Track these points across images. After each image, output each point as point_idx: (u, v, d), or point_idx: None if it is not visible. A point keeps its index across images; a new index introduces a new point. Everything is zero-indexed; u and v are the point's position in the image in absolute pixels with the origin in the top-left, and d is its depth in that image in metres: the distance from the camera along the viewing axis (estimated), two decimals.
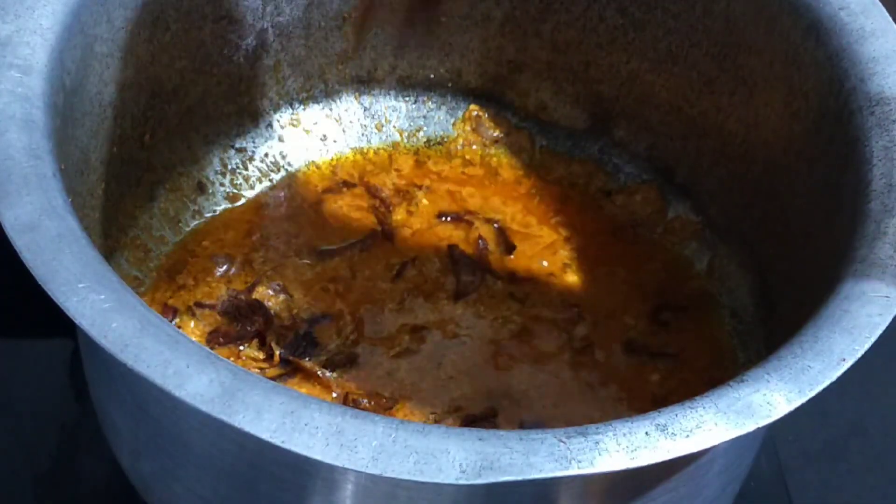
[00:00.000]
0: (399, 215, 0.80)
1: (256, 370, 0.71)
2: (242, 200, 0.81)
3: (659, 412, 0.49)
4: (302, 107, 0.84)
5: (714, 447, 0.49)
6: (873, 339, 0.52)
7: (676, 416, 0.49)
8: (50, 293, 0.50)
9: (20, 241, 0.51)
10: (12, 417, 0.75)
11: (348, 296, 0.76)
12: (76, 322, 0.49)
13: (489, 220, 0.80)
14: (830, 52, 0.66)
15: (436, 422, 0.69)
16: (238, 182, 0.82)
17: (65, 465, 0.73)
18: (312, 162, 0.84)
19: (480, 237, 0.79)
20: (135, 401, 0.58)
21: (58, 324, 0.54)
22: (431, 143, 0.86)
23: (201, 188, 0.80)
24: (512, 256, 0.79)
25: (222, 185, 0.81)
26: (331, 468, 0.47)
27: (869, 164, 0.61)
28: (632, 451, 0.47)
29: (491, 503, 0.52)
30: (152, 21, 0.71)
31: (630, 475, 0.52)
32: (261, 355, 0.72)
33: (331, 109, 0.85)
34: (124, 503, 0.70)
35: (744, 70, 0.73)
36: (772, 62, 0.71)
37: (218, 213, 0.80)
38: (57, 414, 0.75)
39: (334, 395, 0.70)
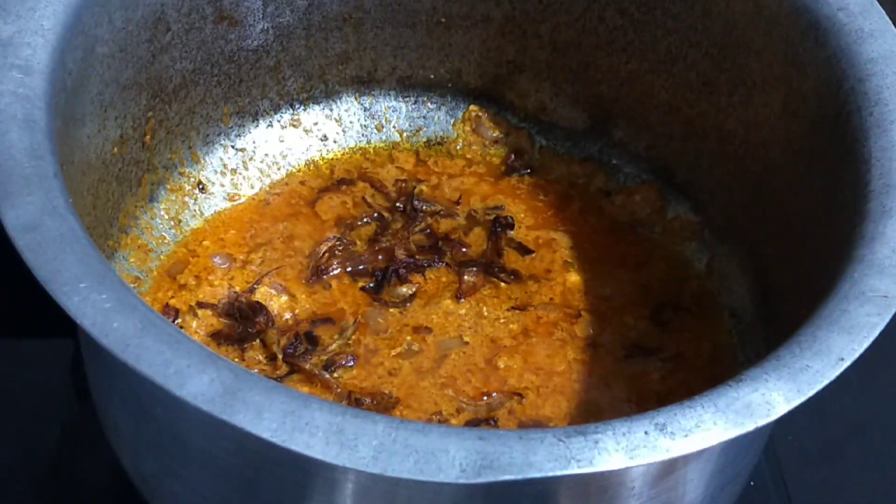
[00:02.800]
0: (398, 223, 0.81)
1: (260, 373, 0.71)
2: (243, 200, 0.81)
3: (658, 411, 0.49)
4: (302, 107, 0.84)
5: (713, 446, 0.49)
6: (872, 339, 0.53)
7: (675, 415, 0.49)
8: (51, 293, 0.50)
9: (21, 241, 0.52)
10: (12, 417, 0.75)
11: (350, 295, 0.76)
12: (77, 322, 0.50)
13: (501, 221, 0.80)
14: (829, 53, 0.66)
15: (438, 423, 0.69)
16: (238, 182, 0.82)
17: (65, 465, 0.73)
18: (312, 162, 0.84)
19: (490, 237, 0.79)
20: (136, 400, 0.58)
21: (58, 324, 0.54)
22: (431, 144, 0.86)
23: (202, 188, 0.80)
24: (532, 257, 0.79)
25: (223, 185, 0.81)
26: (331, 467, 0.47)
27: (867, 164, 0.61)
28: (631, 451, 0.48)
29: (491, 502, 0.52)
30: (153, 22, 0.71)
31: (629, 473, 0.52)
32: (263, 358, 0.72)
33: (331, 110, 0.85)
34: (125, 503, 0.70)
35: (743, 70, 0.73)
36: (771, 63, 0.71)
37: (218, 212, 0.80)
38: (57, 414, 0.75)
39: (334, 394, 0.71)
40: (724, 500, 0.63)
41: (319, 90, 0.84)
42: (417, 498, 0.52)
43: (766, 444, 0.75)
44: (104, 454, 0.66)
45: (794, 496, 0.76)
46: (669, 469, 0.54)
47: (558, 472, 0.47)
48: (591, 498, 0.53)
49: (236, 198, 0.81)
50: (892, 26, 0.67)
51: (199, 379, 0.48)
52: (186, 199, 0.80)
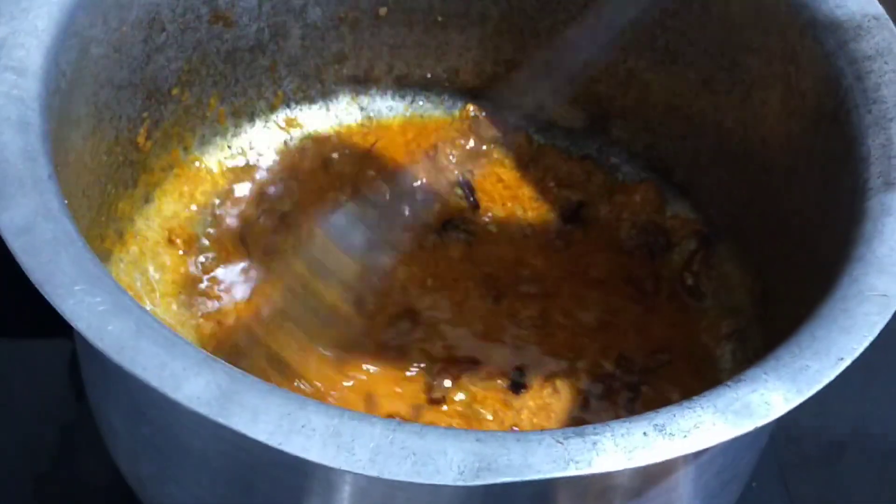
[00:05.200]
0: None
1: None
2: None
3: (656, 412, 0.49)
4: (299, 107, 0.84)
5: (712, 447, 0.49)
6: (871, 339, 0.52)
7: (674, 416, 0.49)
8: (46, 295, 0.50)
9: (16, 244, 0.52)
10: (12, 417, 0.75)
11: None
12: (72, 324, 0.50)
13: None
14: (827, 50, 0.66)
15: None
16: None
17: (65, 466, 0.73)
18: None
19: None
20: (131, 403, 0.58)
21: (57, 324, 0.54)
22: None
23: None
24: None
25: None
26: (328, 470, 0.47)
27: (866, 162, 0.61)
28: (629, 452, 0.47)
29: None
30: (148, 22, 0.71)
31: (628, 475, 0.52)
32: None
33: (328, 110, 0.85)
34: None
35: (741, 68, 0.73)
36: (769, 60, 0.71)
37: None
38: (57, 414, 0.75)
39: None
40: (724, 501, 0.63)
41: (316, 90, 0.84)
42: (415, 500, 0.52)
43: (767, 444, 0.74)
44: (104, 455, 0.66)
45: (794, 496, 0.76)
46: (669, 469, 0.54)
47: (557, 474, 0.47)
48: (590, 499, 0.53)
49: None
50: (891, 23, 0.67)
51: (194, 381, 0.48)
52: None
